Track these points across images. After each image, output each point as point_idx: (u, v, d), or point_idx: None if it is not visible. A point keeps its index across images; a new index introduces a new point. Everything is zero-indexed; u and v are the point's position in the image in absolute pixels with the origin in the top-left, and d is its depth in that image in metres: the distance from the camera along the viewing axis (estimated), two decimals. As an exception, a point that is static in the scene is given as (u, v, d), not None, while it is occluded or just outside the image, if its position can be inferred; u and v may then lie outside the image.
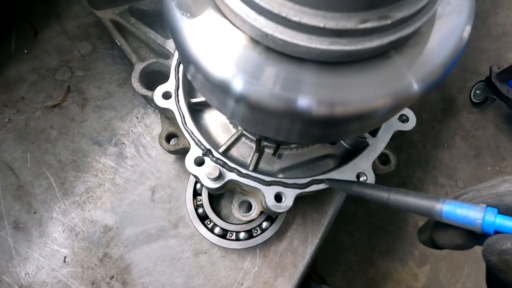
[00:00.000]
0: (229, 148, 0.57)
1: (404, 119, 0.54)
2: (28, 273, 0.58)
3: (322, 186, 0.50)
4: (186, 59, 0.33)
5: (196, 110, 0.59)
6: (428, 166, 2.20)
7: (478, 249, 0.29)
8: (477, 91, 2.11)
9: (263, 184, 0.49)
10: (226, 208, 0.62)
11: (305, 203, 0.66)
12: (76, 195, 0.63)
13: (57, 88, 0.70)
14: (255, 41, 0.29)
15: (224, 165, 0.50)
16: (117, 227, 0.62)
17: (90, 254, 0.60)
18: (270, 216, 0.61)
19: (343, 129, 0.38)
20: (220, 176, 0.49)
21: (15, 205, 0.61)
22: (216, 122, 0.60)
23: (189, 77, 0.38)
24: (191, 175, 0.61)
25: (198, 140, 0.51)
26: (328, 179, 0.50)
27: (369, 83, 0.30)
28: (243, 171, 0.50)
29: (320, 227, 0.65)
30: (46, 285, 0.57)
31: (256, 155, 0.57)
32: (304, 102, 0.29)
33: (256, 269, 0.62)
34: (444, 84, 2.30)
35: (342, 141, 0.59)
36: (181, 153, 0.58)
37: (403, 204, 0.33)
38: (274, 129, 0.37)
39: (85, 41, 0.74)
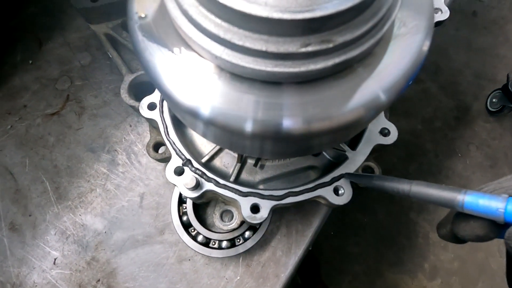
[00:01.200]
0: (212, 158, 0.59)
1: (385, 132, 0.54)
2: (20, 273, 0.60)
3: (298, 198, 0.50)
4: (158, 89, 0.35)
5: (180, 122, 0.60)
6: (440, 175, 2.13)
7: (492, 263, 0.28)
8: (494, 100, 2.03)
9: (239, 195, 0.50)
10: (211, 216, 0.63)
11: (290, 213, 0.66)
12: (69, 199, 0.66)
13: (57, 97, 0.74)
14: (219, 68, 0.30)
15: (202, 175, 0.51)
16: (105, 232, 0.64)
17: (79, 257, 0.62)
18: (253, 226, 0.61)
19: (311, 144, 0.39)
20: (198, 186, 0.50)
21: (12, 208, 0.65)
22: (201, 132, 0.61)
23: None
24: None
25: (179, 150, 0.52)
26: (347, 173, 0.50)
27: (336, 97, 0.30)
28: (221, 181, 0.50)
29: (304, 238, 0.65)
30: (36, 286, 0.60)
31: (238, 165, 0.58)
32: (269, 122, 0.30)
33: (238, 278, 0.62)
34: (458, 91, 2.22)
35: (324, 153, 0.59)
36: (168, 161, 0.59)
37: (424, 195, 0.33)
38: (244, 147, 0.38)
39: (86, 52, 0.78)
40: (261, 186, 0.57)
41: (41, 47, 0.78)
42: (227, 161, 0.59)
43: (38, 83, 0.75)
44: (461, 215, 0.32)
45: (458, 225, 0.33)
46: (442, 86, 2.30)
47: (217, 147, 0.59)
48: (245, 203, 0.49)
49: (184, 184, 0.48)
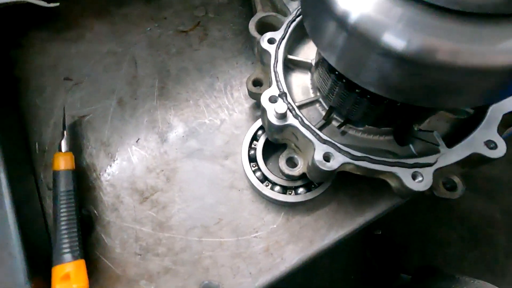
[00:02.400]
0: (301, 107, 0.62)
1: (491, 146, 0.50)
2: (110, 137, 0.72)
3: (373, 166, 0.50)
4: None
5: (287, 68, 0.65)
6: (503, 280, 1.84)
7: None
8: None
9: (318, 140, 0.52)
10: (275, 161, 0.66)
11: (346, 195, 0.65)
12: (167, 99, 0.76)
13: (190, 20, 0.86)
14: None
15: (292, 110, 0.54)
16: (183, 136, 0.72)
17: (156, 146, 0.71)
18: (308, 186, 0.63)
19: (449, 83, 0.35)
20: (285, 117, 0.53)
21: (125, 88, 0.77)
22: (299, 83, 0.65)
23: (305, 17, 0.44)
24: (256, 122, 0.67)
25: (280, 82, 0.57)
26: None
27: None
28: (306, 121, 0.53)
29: (351, 222, 0.63)
30: (117, 151, 0.71)
31: (322, 122, 0.60)
32: (425, 43, 0.31)
33: (274, 226, 0.64)
34: None
35: (411, 146, 0.57)
36: (258, 99, 0.64)
37: None
38: (371, 71, 0.38)
39: (226, -6, 0.89)
40: (335, 149, 0.58)
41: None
42: (313, 115, 0.62)
43: (181, 6, 0.88)
44: None
45: None
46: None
47: (309, 100, 0.62)
48: (320, 149, 0.51)
49: (276, 109, 0.52)
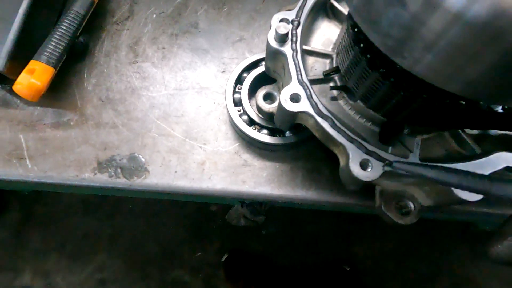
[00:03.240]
0: (310, 52, 0.57)
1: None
2: (142, -4, 0.74)
3: (331, 131, 0.45)
4: None
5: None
6: None
7: None
8: None
9: (297, 79, 0.48)
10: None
11: (304, 167, 0.61)
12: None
13: None
14: None
15: (294, 42, 0.50)
16: (199, 31, 0.71)
17: (173, 26, 0.71)
18: (273, 132, 0.59)
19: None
20: (284, 42, 0.49)
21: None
22: (324, 33, 0.59)
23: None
24: (240, 64, 0.62)
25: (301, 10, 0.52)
26: (396, 161, 0.40)
27: None
28: (299, 62, 0.49)
29: (291, 190, 0.60)
30: (140, 11, 0.72)
31: (319, 76, 0.55)
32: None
33: (223, 150, 0.62)
34: None
35: (390, 147, 0.50)
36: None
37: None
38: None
39: None
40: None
41: None
42: (316, 66, 0.57)
43: None
44: None
45: None
46: None
47: (325, 51, 0.56)
48: (293, 88, 0.47)
49: (277, 27, 0.48)
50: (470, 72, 0.27)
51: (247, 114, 0.61)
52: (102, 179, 0.60)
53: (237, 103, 0.62)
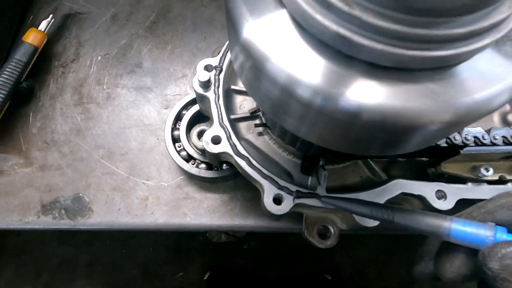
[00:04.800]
0: (238, 92, 0.62)
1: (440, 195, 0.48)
2: (85, 41, 0.77)
3: (248, 169, 0.49)
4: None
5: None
6: None
7: None
8: None
9: (218, 120, 0.52)
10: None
11: (243, 196, 0.65)
12: (151, 34, 0.79)
13: None
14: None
15: (216, 86, 0.55)
16: (143, 70, 0.75)
17: (117, 67, 0.75)
18: (211, 167, 0.63)
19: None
20: (207, 87, 0.54)
21: (126, 6, 0.82)
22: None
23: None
24: (180, 101, 0.66)
25: (223, 57, 0.57)
26: (324, 196, 0.47)
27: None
28: (221, 103, 0.53)
29: (229, 220, 0.63)
30: (85, 55, 0.76)
31: (246, 114, 0.59)
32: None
33: (165, 184, 0.66)
34: None
35: (309, 178, 0.55)
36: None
37: (409, 223, 0.32)
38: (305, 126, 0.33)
39: None
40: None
41: None
42: (245, 105, 0.62)
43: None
44: (443, 252, 0.30)
45: (441, 263, 0.30)
46: None
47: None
48: (214, 130, 0.51)
49: (199, 75, 0.53)
50: (323, 134, 0.32)
51: (185, 150, 0.64)
52: (46, 221, 0.62)
53: (177, 139, 0.66)
